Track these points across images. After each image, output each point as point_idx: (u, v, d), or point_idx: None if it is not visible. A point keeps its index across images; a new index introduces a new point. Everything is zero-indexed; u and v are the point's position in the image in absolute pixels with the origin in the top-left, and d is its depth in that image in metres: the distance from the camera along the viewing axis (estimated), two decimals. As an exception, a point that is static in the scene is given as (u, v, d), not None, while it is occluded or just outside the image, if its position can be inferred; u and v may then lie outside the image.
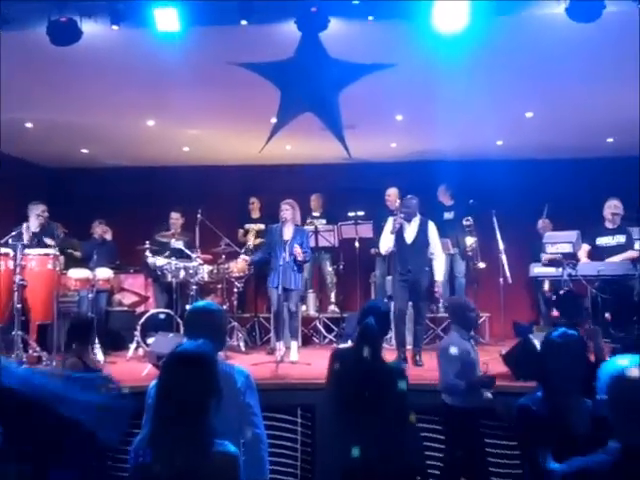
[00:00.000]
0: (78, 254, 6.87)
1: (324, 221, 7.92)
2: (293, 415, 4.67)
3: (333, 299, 8.00)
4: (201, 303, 3.00)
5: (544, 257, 5.88)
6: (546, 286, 6.75)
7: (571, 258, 5.61)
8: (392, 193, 7.58)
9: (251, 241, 7.76)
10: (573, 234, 5.71)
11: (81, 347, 3.79)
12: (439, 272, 5.86)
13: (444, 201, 8.02)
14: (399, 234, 5.76)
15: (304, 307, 7.60)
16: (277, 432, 4.46)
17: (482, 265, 7.38)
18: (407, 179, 7.90)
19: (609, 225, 6.08)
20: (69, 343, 3.89)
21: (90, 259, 6.33)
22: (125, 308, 7.42)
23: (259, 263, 6.69)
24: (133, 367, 5.63)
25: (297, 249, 5.90)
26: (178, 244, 6.82)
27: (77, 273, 6.34)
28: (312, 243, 7.31)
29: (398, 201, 6.09)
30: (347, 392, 2.96)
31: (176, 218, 7.21)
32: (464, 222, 7.47)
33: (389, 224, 5.91)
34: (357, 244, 7.46)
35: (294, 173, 8.81)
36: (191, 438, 1.85)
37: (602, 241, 6.04)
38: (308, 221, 7.85)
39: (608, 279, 5.57)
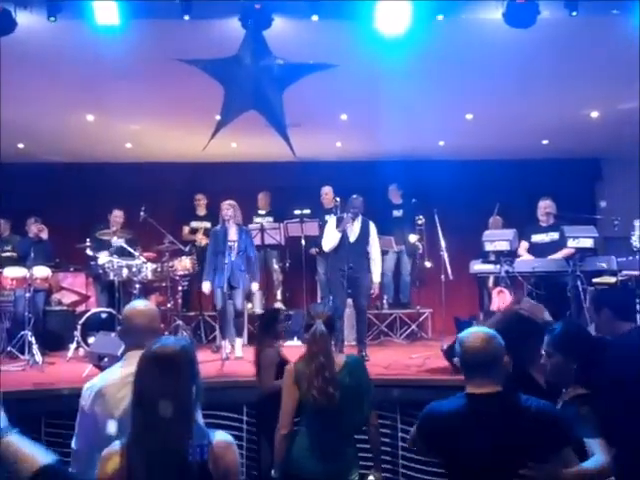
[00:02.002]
0: (14, 254, 6.64)
1: (271, 219, 7.91)
2: (239, 413, 4.66)
3: (279, 297, 8.00)
4: (139, 302, 2.93)
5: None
6: (490, 282, 6.96)
7: (509, 255, 5.83)
8: (328, 191, 7.72)
9: (201, 240, 7.69)
10: (510, 232, 5.93)
11: (273, 339, 3.99)
12: (377, 274, 5.98)
13: (394, 199, 8.17)
14: (343, 232, 5.83)
15: (250, 305, 7.58)
16: (222, 430, 4.43)
17: (428, 264, 7.52)
18: (353, 178, 8.00)
19: (543, 224, 6.39)
20: (262, 336, 4.11)
21: (26, 258, 6.12)
22: (65, 307, 7.22)
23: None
24: (73, 368, 5.48)
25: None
26: (120, 242, 6.66)
27: (13, 272, 6.15)
28: (258, 241, 7.29)
29: (338, 199, 6.17)
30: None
31: (119, 216, 7.01)
32: (417, 220, 7.60)
33: (332, 222, 5.98)
34: (303, 242, 7.49)
35: (240, 171, 8.74)
36: (188, 436, 1.81)
37: (537, 238, 6.34)
38: (255, 219, 7.84)
39: (543, 275, 5.83)
